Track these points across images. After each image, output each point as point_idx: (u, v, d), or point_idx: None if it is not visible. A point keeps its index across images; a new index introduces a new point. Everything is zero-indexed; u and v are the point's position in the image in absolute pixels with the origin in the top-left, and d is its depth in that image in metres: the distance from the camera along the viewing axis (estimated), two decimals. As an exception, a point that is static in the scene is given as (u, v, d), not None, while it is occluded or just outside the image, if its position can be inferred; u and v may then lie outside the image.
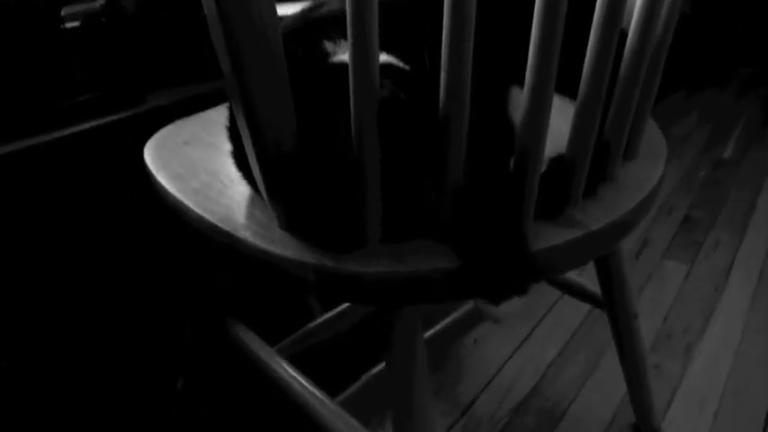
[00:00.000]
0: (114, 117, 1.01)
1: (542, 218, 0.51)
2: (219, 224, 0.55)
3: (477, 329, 1.19)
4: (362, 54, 0.39)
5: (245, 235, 0.52)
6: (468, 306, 1.19)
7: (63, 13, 1.00)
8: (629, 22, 0.56)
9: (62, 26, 0.99)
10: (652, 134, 0.70)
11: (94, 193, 0.97)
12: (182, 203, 0.60)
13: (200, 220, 0.57)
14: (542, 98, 0.45)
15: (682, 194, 1.82)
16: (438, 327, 1.06)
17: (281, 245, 0.49)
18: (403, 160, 0.45)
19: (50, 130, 0.93)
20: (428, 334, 1.05)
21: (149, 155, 0.73)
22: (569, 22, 0.54)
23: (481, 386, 1.08)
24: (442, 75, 0.41)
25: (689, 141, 2.25)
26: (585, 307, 1.27)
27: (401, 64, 0.50)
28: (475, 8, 0.40)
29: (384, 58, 0.49)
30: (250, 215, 0.55)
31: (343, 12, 0.39)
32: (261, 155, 0.44)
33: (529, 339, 1.18)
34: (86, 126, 0.98)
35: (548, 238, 0.49)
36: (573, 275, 0.96)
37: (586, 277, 0.99)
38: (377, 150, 0.43)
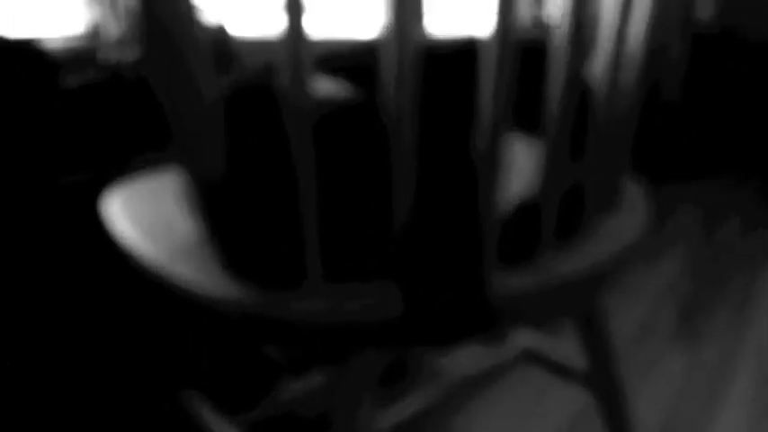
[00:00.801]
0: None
1: (509, 263, 0.47)
2: (160, 262, 0.50)
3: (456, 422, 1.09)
4: (294, 37, 0.36)
5: (183, 272, 0.47)
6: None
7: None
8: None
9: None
10: (633, 193, 0.67)
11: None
12: (129, 243, 0.56)
13: (143, 258, 0.53)
14: (496, 127, 0.42)
15: (682, 277, 1.75)
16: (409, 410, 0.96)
17: (216, 285, 0.45)
18: (343, 184, 0.41)
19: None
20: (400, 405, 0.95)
21: (109, 203, 0.70)
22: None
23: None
24: (389, 105, 0.39)
25: (685, 229, 2.21)
26: (571, 401, 1.17)
27: (356, 93, 0.47)
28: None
29: (338, 83, 0.47)
30: (191, 255, 0.50)
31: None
32: (192, 184, 0.41)
33: None
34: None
35: (510, 283, 0.44)
36: (567, 357, 0.90)
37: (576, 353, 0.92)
38: (312, 177, 0.39)
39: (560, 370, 0.90)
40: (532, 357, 0.95)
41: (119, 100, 1.06)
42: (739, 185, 2.79)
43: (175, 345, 0.94)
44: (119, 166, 1.06)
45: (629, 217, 0.60)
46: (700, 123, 3.17)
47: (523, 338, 1.02)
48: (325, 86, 0.45)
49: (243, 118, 0.45)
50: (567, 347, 1.10)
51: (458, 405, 1.08)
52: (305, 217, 0.41)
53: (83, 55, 1.12)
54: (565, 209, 0.50)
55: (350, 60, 0.56)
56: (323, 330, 0.41)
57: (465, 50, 0.61)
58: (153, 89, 0.37)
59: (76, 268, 0.92)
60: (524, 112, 0.52)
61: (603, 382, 0.76)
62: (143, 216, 0.61)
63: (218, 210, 0.42)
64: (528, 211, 0.49)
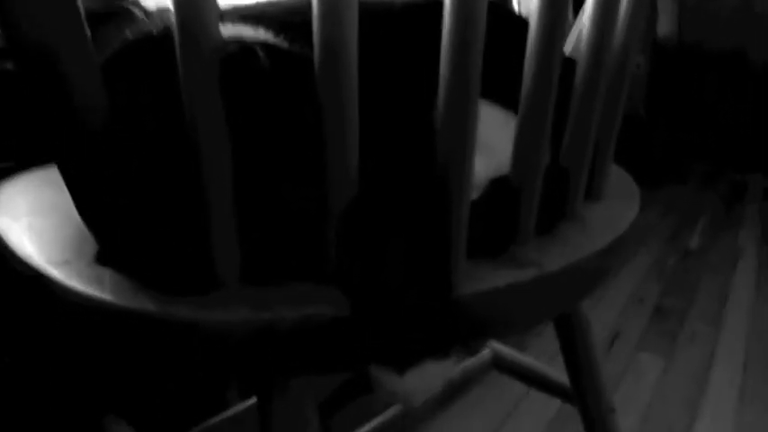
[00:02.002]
0: None
1: (481, 255, 0.37)
2: (30, 257, 0.39)
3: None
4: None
5: (55, 272, 0.36)
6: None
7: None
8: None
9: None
10: (621, 177, 0.58)
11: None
12: (2, 238, 0.44)
13: (12, 253, 0.41)
14: (462, 90, 0.32)
15: (651, 284, 1.70)
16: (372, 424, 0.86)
17: (98, 286, 0.34)
18: (266, 158, 0.31)
19: None
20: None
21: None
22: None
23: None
24: (315, 52, 0.28)
25: (654, 232, 2.17)
26: (553, 406, 1.09)
27: (286, 45, 0.37)
28: None
29: (260, 33, 0.36)
30: (77, 250, 0.39)
31: None
32: (57, 130, 0.30)
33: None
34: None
35: (485, 279, 0.34)
36: (538, 363, 0.81)
37: (555, 367, 0.83)
38: (221, 136, 0.28)
39: (534, 379, 0.81)
40: (503, 367, 0.85)
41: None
42: (705, 189, 2.79)
43: (97, 364, 0.82)
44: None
45: (618, 203, 0.51)
46: (665, 132, 3.18)
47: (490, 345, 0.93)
48: (233, 30, 0.35)
49: (127, 76, 0.34)
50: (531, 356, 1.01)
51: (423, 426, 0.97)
52: (214, 200, 0.30)
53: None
54: (546, 192, 0.41)
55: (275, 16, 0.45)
56: (241, 346, 0.30)
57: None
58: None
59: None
60: (499, 83, 0.43)
61: (587, 392, 0.67)
62: (30, 209, 0.50)
63: (92, 173, 0.31)
64: (503, 193, 0.40)
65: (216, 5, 0.28)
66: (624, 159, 0.50)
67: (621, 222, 0.46)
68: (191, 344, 0.30)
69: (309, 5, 0.47)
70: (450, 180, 0.34)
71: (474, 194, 0.38)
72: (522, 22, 0.47)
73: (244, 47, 0.29)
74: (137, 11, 1.05)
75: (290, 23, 0.45)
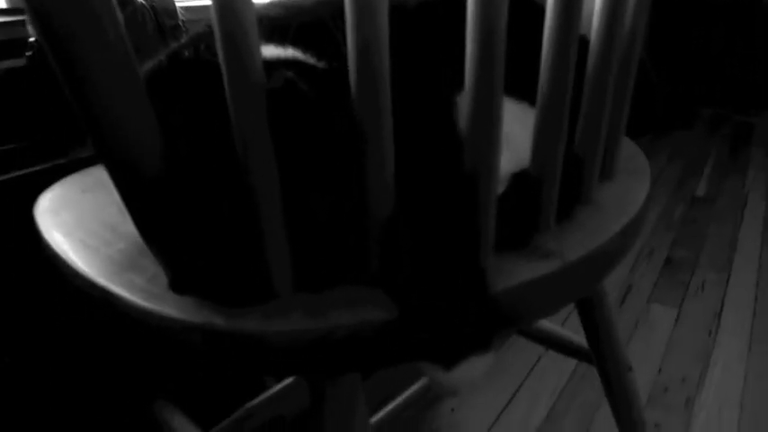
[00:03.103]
0: (35, 168, 0.91)
1: (506, 248, 0.40)
2: (95, 278, 0.42)
3: (454, 399, 1.05)
4: (231, 31, 0.29)
5: (120, 290, 0.39)
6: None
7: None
8: (589, 29, 0.47)
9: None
10: (630, 151, 0.61)
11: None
12: (59, 254, 0.48)
13: (76, 272, 0.44)
14: (488, 90, 0.34)
15: (660, 235, 1.73)
16: (405, 394, 0.92)
17: (163, 302, 0.37)
18: (311, 178, 0.34)
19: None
20: (394, 404, 0.91)
21: (42, 202, 0.61)
22: (523, 15, 0.45)
23: (460, 461, 0.93)
24: (351, 66, 0.31)
25: (661, 181, 2.19)
26: (572, 362, 1.14)
27: (315, 62, 0.39)
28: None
29: (289, 53, 0.39)
30: (134, 266, 0.43)
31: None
32: (118, 179, 0.33)
33: (512, 403, 1.04)
34: (7, 177, 0.87)
35: (514, 273, 0.38)
36: (555, 327, 0.85)
37: (570, 328, 0.87)
38: (271, 166, 0.31)
39: (552, 342, 0.85)
40: (523, 331, 0.89)
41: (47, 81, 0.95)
42: (711, 134, 2.79)
43: (147, 352, 0.87)
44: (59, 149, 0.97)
45: (630, 181, 0.54)
46: (670, 78, 3.15)
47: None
48: (273, 54, 0.37)
49: (179, 99, 0.37)
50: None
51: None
52: (266, 216, 0.34)
53: (5, 36, 1.01)
54: (563, 179, 0.44)
55: (300, 17, 0.47)
56: (303, 353, 0.34)
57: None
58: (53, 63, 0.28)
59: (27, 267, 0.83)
60: (515, 75, 0.45)
61: (605, 353, 0.71)
62: (77, 221, 0.53)
63: (156, 214, 0.34)
64: (525, 186, 0.42)
65: (258, 45, 0.31)
66: (630, 107, 0.52)
67: (634, 202, 0.49)
68: (258, 353, 0.34)
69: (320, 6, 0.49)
70: (479, 180, 0.37)
71: (498, 190, 0.41)
72: (532, 8, 0.49)
73: (286, 80, 0.31)
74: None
75: (308, 26, 0.47)
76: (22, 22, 0.99)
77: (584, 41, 0.47)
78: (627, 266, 1.54)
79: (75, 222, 0.53)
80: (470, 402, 1.04)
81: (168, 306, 0.36)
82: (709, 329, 1.25)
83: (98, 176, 0.66)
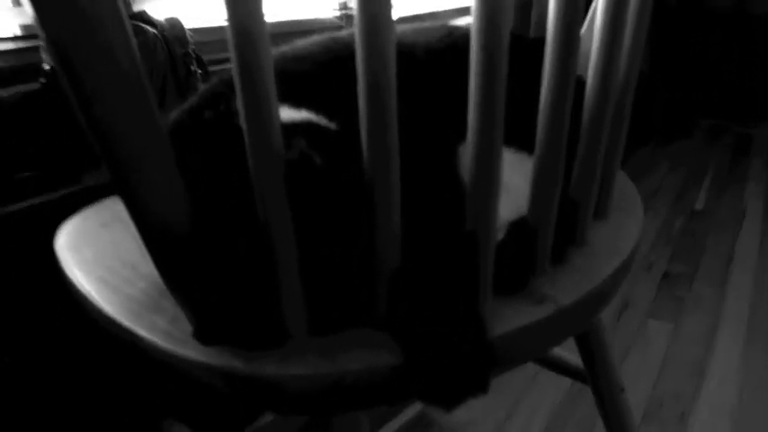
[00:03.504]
0: (46, 197, 0.93)
1: (503, 293, 0.43)
2: (119, 318, 0.45)
3: (454, 413, 1.07)
4: (254, 104, 0.32)
5: (145, 332, 0.42)
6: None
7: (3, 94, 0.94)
8: (587, 69, 0.50)
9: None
10: (624, 188, 0.64)
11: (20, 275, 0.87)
12: (82, 293, 0.51)
13: (99, 312, 0.47)
14: (489, 149, 0.37)
15: (659, 249, 1.76)
16: (408, 414, 0.94)
17: (186, 345, 0.40)
18: (324, 235, 0.37)
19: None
20: (396, 424, 0.93)
21: (62, 237, 0.64)
22: (520, 67, 0.48)
23: (461, 475, 0.96)
24: (362, 134, 0.34)
25: (660, 193, 2.22)
26: (568, 380, 1.17)
27: (326, 122, 0.43)
28: (394, 54, 0.33)
29: (303, 115, 0.42)
30: (156, 307, 0.46)
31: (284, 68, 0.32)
32: (145, 237, 0.36)
33: (509, 420, 1.07)
34: (23, 205, 0.90)
35: (511, 319, 0.40)
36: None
37: (566, 349, 0.90)
38: (287, 223, 0.34)
39: (547, 361, 0.88)
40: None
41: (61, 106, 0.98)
42: (711, 145, 2.81)
43: (157, 372, 0.90)
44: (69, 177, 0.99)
45: (623, 219, 0.57)
46: (669, 88, 3.18)
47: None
48: (288, 117, 0.40)
49: (202, 158, 0.40)
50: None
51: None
52: (283, 268, 0.36)
53: (19, 62, 1.03)
54: (558, 224, 0.47)
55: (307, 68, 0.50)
56: (318, 392, 0.37)
57: (448, 46, 0.56)
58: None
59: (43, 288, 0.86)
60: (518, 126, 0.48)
61: (599, 375, 0.73)
62: (97, 258, 0.56)
63: (178, 264, 0.37)
64: (520, 233, 0.45)
65: (278, 115, 0.34)
66: (630, 117, 0.54)
67: (627, 241, 0.52)
68: (275, 396, 0.37)
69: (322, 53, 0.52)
70: (479, 234, 0.40)
71: (497, 238, 0.44)
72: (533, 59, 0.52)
73: (302, 152, 0.34)
74: (148, 29, 1.08)
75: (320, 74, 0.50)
76: (36, 48, 1.02)
77: (581, 83, 0.50)
78: (625, 282, 1.57)
79: (95, 259, 0.56)
80: (470, 420, 1.07)
81: (191, 350, 0.39)
82: (704, 345, 1.28)
83: (114, 210, 0.69)
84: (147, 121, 0.32)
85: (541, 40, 0.41)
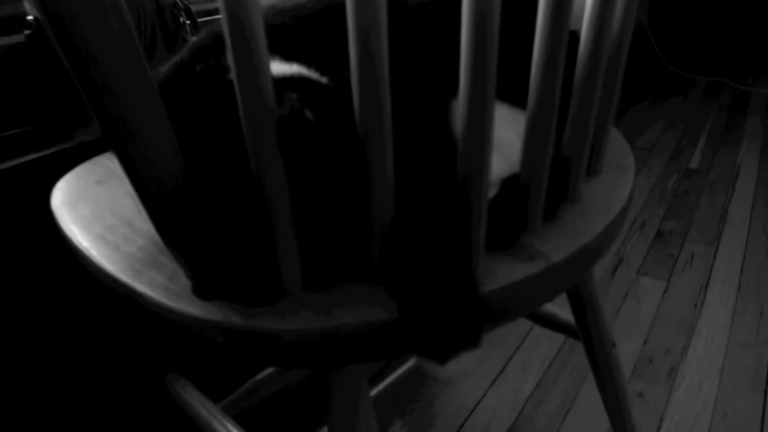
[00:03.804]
0: (38, 154, 0.93)
1: (495, 249, 0.44)
2: (119, 275, 0.46)
3: (448, 366, 1.10)
4: (245, 59, 0.32)
5: (145, 288, 0.43)
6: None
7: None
8: (581, 23, 0.49)
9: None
10: (616, 145, 0.64)
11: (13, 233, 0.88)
12: (81, 250, 0.51)
13: (99, 269, 0.48)
14: (481, 102, 0.37)
15: (653, 206, 1.77)
16: (403, 368, 0.97)
17: (185, 300, 0.41)
18: (317, 191, 0.37)
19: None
20: (392, 377, 0.96)
21: (57, 195, 0.64)
22: (513, 21, 0.47)
23: (456, 428, 0.99)
24: (353, 87, 0.34)
25: (656, 151, 2.22)
26: (560, 335, 1.19)
27: (318, 76, 0.42)
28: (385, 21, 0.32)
29: (294, 69, 0.42)
30: (155, 263, 0.46)
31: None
32: (142, 193, 0.36)
33: (503, 374, 1.10)
34: (14, 162, 0.89)
35: (502, 274, 0.41)
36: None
37: (558, 305, 0.91)
38: (281, 180, 0.35)
39: (540, 318, 0.90)
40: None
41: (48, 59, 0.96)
42: (708, 102, 2.80)
43: (159, 329, 0.91)
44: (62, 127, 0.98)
45: (616, 176, 0.57)
46: (667, 44, 3.14)
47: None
48: (279, 71, 0.40)
49: (195, 114, 0.40)
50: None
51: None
52: (278, 224, 0.37)
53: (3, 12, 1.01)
54: (550, 181, 0.47)
55: (299, 22, 0.50)
56: (312, 348, 0.38)
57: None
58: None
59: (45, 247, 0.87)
60: (511, 81, 0.47)
61: (591, 331, 0.75)
62: (94, 215, 0.56)
63: (174, 219, 0.38)
64: (513, 189, 0.46)
65: (269, 68, 0.34)
66: (628, 72, 0.54)
67: (618, 199, 0.52)
68: (272, 349, 0.38)
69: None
70: (471, 189, 0.40)
71: (490, 194, 0.44)
72: (522, 12, 0.51)
73: (293, 107, 0.34)
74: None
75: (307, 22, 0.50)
76: (18, -3, 1.00)
77: (575, 37, 0.50)
78: (618, 239, 1.59)
79: (93, 216, 0.57)
80: (464, 372, 1.09)
81: (190, 305, 0.40)
82: (695, 302, 1.30)
83: (108, 166, 0.70)
84: (138, 75, 0.32)
85: None
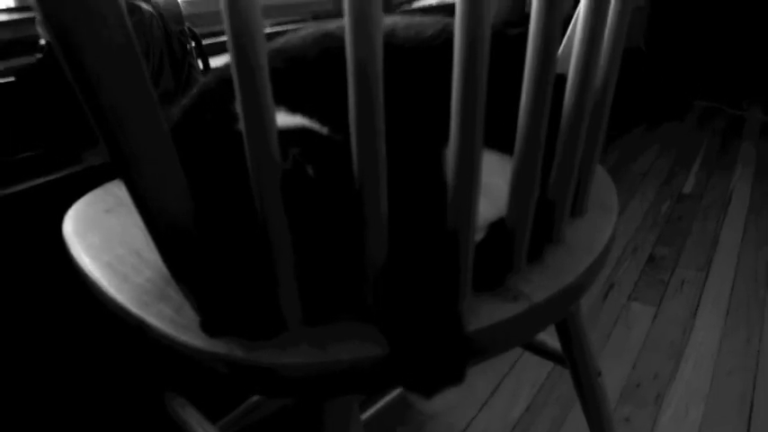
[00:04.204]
0: (48, 178, 0.96)
1: (482, 290, 0.47)
2: (128, 305, 0.49)
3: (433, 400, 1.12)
4: (255, 121, 0.35)
5: (153, 320, 0.46)
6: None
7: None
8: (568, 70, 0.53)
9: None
10: (601, 184, 0.67)
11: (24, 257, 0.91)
12: (92, 280, 0.54)
13: (110, 299, 0.51)
14: (470, 154, 0.41)
15: (646, 231, 1.80)
16: (394, 393, 0.99)
17: (191, 332, 0.44)
18: (317, 237, 0.40)
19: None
20: (384, 401, 0.99)
21: (69, 223, 0.67)
22: (504, 75, 0.51)
23: (445, 448, 1.02)
24: (352, 142, 0.37)
25: (650, 175, 2.26)
26: (548, 364, 1.22)
27: (319, 127, 0.46)
28: (381, 64, 0.36)
29: (297, 121, 0.45)
30: (162, 296, 0.49)
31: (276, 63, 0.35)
32: (153, 233, 0.39)
33: (493, 397, 1.12)
34: (23, 186, 0.92)
35: (487, 314, 0.44)
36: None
37: (548, 334, 0.94)
38: (284, 227, 0.38)
39: (529, 345, 0.93)
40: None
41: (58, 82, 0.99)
42: (703, 127, 2.84)
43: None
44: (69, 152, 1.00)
45: (599, 216, 0.60)
46: (665, 67, 3.19)
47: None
48: (283, 123, 0.43)
49: (202, 152, 0.43)
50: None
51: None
52: (279, 265, 0.40)
53: (14, 35, 1.04)
54: (535, 224, 0.50)
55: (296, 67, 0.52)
56: (312, 377, 0.41)
57: (435, 44, 0.58)
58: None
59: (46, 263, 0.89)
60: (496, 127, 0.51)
61: (576, 360, 0.78)
62: (103, 245, 0.59)
63: (183, 255, 0.41)
64: (499, 233, 0.49)
65: (275, 125, 0.37)
66: (624, 96, 0.56)
67: (599, 240, 0.56)
68: (271, 381, 0.41)
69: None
70: (460, 232, 0.43)
71: (477, 238, 0.47)
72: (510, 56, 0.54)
73: (295, 161, 0.38)
74: (144, 6, 1.09)
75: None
76: (31, 20, 1.03)
77: (564, 79, 0.53)
78: (611, 264, 1.62)
79: (102, 245, 0.60)
80: (455, 396, 1.12)
81: (196, 338, 0.43)
82: (684, 328, 1.33)
83: (117, 195, 0.73)
84: (151, 120, 0.35)
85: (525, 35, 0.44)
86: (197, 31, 1.08)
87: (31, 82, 1.00)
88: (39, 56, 1.00)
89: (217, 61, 1.11)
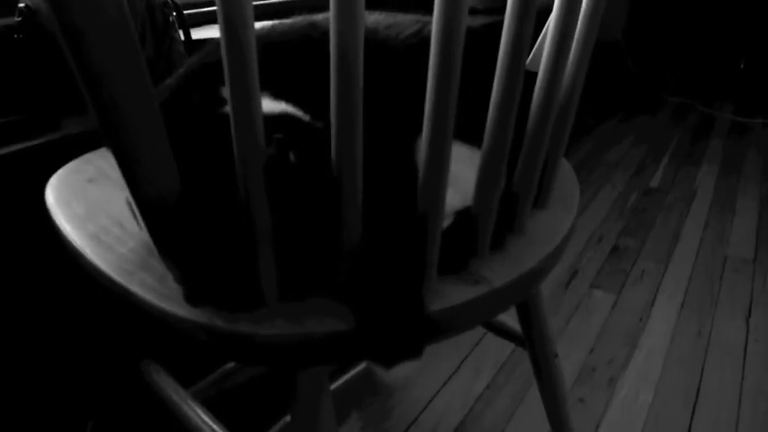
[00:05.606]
0: (25, 144, 0.96)
1: (446, 273, 0.51)
2: (113, 274, 0.51)
3: (393, 372, 1.18)
4: (243, 109, 0.38)
5: (137, 289, 0.49)
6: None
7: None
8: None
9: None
10: (566, 179, 0.71)
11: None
12: (77, 249, 0.57)
13: (95, 268, 0.54)
14: (440, 147, 0.44)
15: (612, 222, 1.87)
16: (362, 365, 1.04)
17: (173, 302, 0.47)
18: (297, 219, 0.43)
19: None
20: (356, 370, 1.03)
21: (51, 193, 0.69)
22: (480, 71, 0.54)
23: (409, 421, 1.07)
24: (332, 129, 0.40)
25: (621, 166, 2.32)
26: (509, 345, 1.27)
27: (302, 114, 0.49)
28: (362, 56, 0.39)
29: (281, 107, 0.48)
30: (145, 266, 0.52)
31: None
32: (141, 207, 0.42)
33: (457, 373, 1.17)
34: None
35: (448, 296, 0.48)
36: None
37: (510, 315, 0.99)
38: (265, 208, 0.41)
39: (491, 326, 0.98)
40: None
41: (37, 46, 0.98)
42: (675, 123, 2.91)
43: (135, 316, 0.96)
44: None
45: (560, 209, 0.64)
46: (639, 63, 3.25)
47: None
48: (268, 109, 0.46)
49: (190, 133, 0.46)
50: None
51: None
52: (260, 244, 0.43)
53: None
54: (499, 214, 0.54)
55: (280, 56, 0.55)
56: (287, 347, 0.44)
57: (411, 42, 0.61)
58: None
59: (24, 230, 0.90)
60: (468, 121, 0.54)
61: (535, 342, 0.83)
62: (87, 215, 0.61)
63: (169, 230, 0.44)
64: (465, 221, 0.53)
65: (261, 112, 0.40)
66: (600, 88, 0.59)
67: (559, 232, 0.60)
68: (248, 350, 0.44)
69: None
70: (427, 221, 0.47)
71: (444, 224, 0.51)
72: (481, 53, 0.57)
73: (278, 146, 0.41)
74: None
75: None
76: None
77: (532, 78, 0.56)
78: (577, 250, 1.68)
79: (87, 215, 0.62)
80: (421, 371, 1.17)
81: (178, 306, 0.46)
82: (640, 317, 1.40)
83: (99, 165, 0.74)
84: (143, 96, 0.37)
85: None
86: (178, 1, 1.08)
87: (8, 45, 0.99)
88: (17, 19, 0.99)
89: (198, 33, 1.12)
